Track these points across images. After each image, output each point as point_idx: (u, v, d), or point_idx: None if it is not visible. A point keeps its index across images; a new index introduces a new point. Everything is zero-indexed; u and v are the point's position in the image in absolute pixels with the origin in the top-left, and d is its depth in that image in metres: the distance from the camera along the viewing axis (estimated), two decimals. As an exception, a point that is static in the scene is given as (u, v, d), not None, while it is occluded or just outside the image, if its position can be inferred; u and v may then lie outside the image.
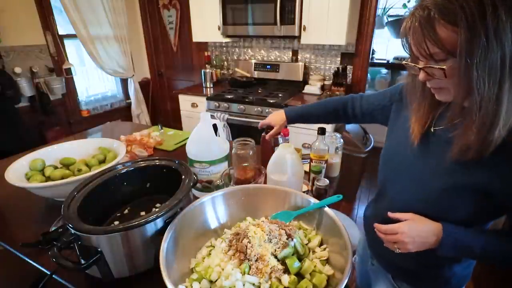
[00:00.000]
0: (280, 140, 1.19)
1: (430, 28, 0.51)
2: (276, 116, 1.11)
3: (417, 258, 0.71)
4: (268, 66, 2.95)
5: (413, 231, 0.63)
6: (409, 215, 0.65)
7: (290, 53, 2.92)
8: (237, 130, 2.55)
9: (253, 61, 3.03)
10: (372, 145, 1.53)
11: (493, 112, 0.50)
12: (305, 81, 2.84)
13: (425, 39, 0.52)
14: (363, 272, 0.97)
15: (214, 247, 0.71)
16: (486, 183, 0.57)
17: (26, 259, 0.78)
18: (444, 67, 0.52)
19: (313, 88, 2.68)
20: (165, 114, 3.99)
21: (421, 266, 0.74)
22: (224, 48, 3.24)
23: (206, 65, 3.10)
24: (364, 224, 0.89)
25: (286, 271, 0.62)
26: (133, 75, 3.44)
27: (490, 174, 0.56)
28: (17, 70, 2.46)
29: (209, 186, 1.04)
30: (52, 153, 1.15)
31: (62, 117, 2.95)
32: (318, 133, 1.08)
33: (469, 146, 0.55)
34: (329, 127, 1.02)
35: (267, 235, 0.65)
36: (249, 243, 0.63)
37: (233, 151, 1.09)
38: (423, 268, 0.74)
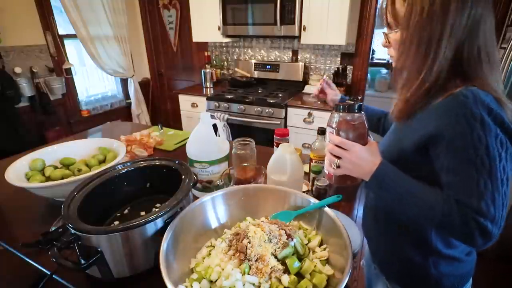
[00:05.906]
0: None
1: (390, 1, 0.63)
2: None
3: (402, 255, 0.73)
4: (268, 66, 2.95)
5: (361, 155, 0.64)
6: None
7: (290, 53, 2.92)
8: (237, 130, 2.56)
9: (253, 61, 3.03)
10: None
11: (415, 78, 0.61)
12: (305, 81, 2.84)
13: (386, 9, 0.64)
14: (368, 276, 0.97)
15: (214, 247, 0.71)
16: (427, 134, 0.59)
17: (26, 259, 0.78)
18: (391, 34, 0.65)
19: (313, 88, 2.66)
20: (165, 114, 3.99)
21: (408, 265, 0.74)
22: (224, 48, 3.24)
23: (206, 65, 3.10)
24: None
25: (286, 271, 0.62)
26: (133, 75, 3.44)
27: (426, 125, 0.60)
28: (17, 70, 2.46)
29: (209, 186, 1.04)
30: (52, 153, 1.15)
31: (62, 117, 2.96)
32: (318, 133, 1.08)
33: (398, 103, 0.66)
34: (329, 127, 1.02)
35: (267, 235, 0.65)
36: (249, 243, 0.63)
37: (233, 151, 1.09)
38: (411, 268, 0.74)
